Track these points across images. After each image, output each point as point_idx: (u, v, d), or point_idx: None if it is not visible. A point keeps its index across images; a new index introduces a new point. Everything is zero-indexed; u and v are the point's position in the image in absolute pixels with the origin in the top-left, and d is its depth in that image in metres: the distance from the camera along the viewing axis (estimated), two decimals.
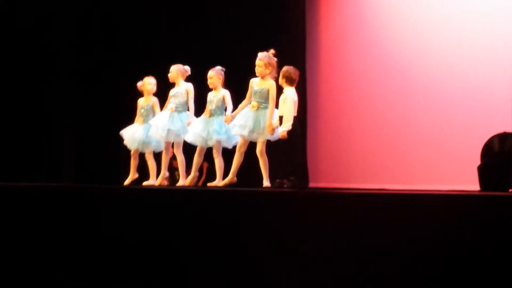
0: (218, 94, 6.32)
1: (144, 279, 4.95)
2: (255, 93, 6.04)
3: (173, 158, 7.05)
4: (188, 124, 6.47)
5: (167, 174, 6.86)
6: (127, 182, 6.93)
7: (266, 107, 6.00)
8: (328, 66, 9.47)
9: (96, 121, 9.87)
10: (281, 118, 5.92)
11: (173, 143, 6.67)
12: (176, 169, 7.06)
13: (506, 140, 5.11)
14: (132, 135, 6.86)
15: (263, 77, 6.06)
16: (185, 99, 6.56)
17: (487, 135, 5.35)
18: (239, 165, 6.11)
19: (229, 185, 6.18)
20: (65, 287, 5.19)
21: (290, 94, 5.93)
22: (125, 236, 5.11)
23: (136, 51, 9.79)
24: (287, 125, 5.83)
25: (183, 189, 5.91)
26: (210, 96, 6.38)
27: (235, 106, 6.27)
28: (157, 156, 6.94)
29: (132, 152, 6.93)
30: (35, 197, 5.70)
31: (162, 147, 6.73)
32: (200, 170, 6.67)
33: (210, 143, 6.31)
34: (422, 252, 3.87)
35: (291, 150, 5.89)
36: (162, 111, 6.68)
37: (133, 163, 6.94)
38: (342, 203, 4.27)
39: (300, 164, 5.97)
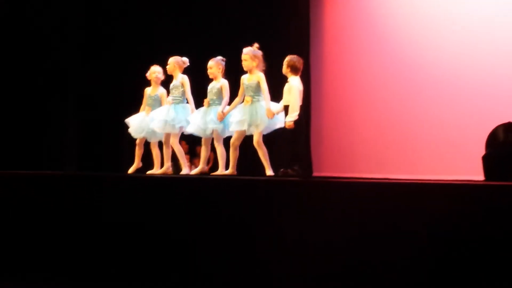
0: (217, 84, 6.32)
1: (146, 265, 4.97)
2: (247, 88, 6.05)
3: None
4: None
5: (170, 164, 6.87)
6: (131, 170, 6.93)
7: (259, 100, 5.99)
8: (332, 56, 9.45)
9: (99, 109, 9.88)
10: (286, 107, 5.90)
11: None
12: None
13: (510, 130, 5.09)
14: (138, 124, 6.84)
15: (251, 71, 6.06)
16: (180, 91, 6.56)
17: (492, 125, 5.34)
18: (237, 158, 6.11)
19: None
20: (68, 273, 5.22)
21: (295, 83, 5.91)
22: (128, 223, 5.13)
23: (141, 40, 9.80)
24: (294, 115, 5.80)
25: (186, 178, 5.90)
26: (210, 86, 6.39)
27: (233, 96, 6.26)
28: (161, 145, 6.94)
29: (137, 141, 6.92)
30: (37, 185, 5.71)
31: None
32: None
33: (208, 133, 6.32)
34: (427, 241, 3.87)
35: (296, 140, 5.88)
36: (164, 105, 6.70)
37: (138, 152, 6.92)
38: (346, 192, 4.27)
39: (304, 153, 5.93)
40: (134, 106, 7.12)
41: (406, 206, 3.99)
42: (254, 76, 6.03)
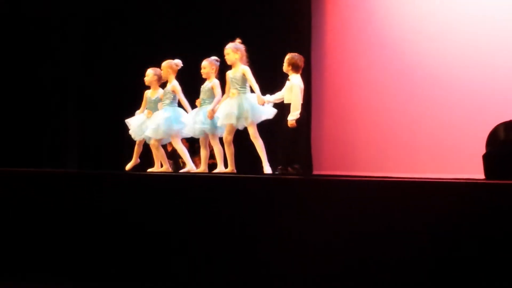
0: (209, 84, 6.34)
1: (146, 264, 4.97)
2: (232, 81, 6.08)
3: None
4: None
5: (170, 163, 6.88)
6: (128, 167, 6.93)
7: (245, 92, 6.02)
8: (333, 55, 9.46)
9: (100, 108, 9.89)
10: (287, 106, 5.90)
11: None
12: (180, 156, 7.07)
13: (511, 128, 5.07)
14: (139, 126, 6.86)
15: (234, 65, 6.10)
16: (171, 97, 6.58)
17: (492, 124, 5.32)
18: (233, 154, 6.11)
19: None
20: (68, 273, 5.22)
21: (296, 81, 5.91)
22: (128, 221, 5.13)
23: (142, 39, 9.82)
24: (296, 113, 5.81)
25: (186, 176, 5.90)
26: (202, 86, 6.42)
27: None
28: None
29: (137, 141, 6.94)
30: (38, 183, 5.71)
31: (168, 139, 6.76)
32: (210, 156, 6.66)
33: (197, 133, 6.34)
34: (427, 239, 3.87)
35: (297, 138, 5.88)
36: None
37: (137, 149, 6.94)
38: (346, 190, 4.26)
39: (304, 152, 5.93)
40: (135, 106, 7.14)
41: (407, 205, 3.99)
42: (238, 69, 6.06)
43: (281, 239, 4.39)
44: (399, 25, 8.89)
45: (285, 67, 6.01)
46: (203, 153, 6.44)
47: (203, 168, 6.40)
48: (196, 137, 6.53)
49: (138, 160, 6.92)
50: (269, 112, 6.04)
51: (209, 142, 6.39)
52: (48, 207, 5.49)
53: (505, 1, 8.14)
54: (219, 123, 6.11)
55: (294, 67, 5.99)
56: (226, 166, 6.23)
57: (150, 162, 6.88)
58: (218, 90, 6.28)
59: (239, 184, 4.87)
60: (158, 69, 6.80)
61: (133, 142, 7.01)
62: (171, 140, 6.70)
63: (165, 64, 6.66)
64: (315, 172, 9.01)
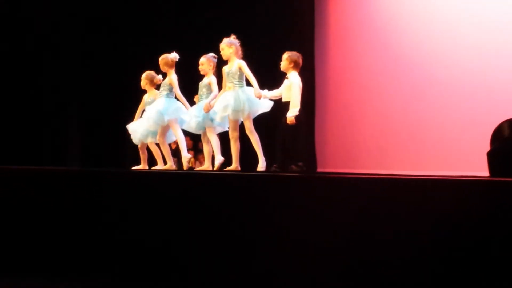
0: (207, 80, 6.38)
1: (148, 263, 4.97)
2: (228, 75, 6.13)
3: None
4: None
5: (174, 160, 6.88)
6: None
7: (242, 85, 6.06)
8: (337, 53, 9.45)
9: (101, 107, 9.90)
10: (286, 104, 5.92)
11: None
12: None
13: None
14: (135, 130, 6.92)
15: (230, 59, 6.16)
16: (167, 88, 6.63)
17: (497, 121, 5.31)
18: (239, 151, 6.12)
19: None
20: (69, 272, 5.22)
21: (296, 79, 5.93)
22: (128, 219, 5.13)
23: (142, 39, 9.82)
24: (295, 110, 5.81)
25: (189, 174, 5.90)
26: (200, 82, 6.47)
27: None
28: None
29: (139, 146, 6.97)
30: (40, 181, 5.71)
31: (172, 138, 6.79)
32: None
33: (193, 126, 6.40)
34: (431, 237, 3.85)
35: (296, 136, 5.88)
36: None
37: (143, 156, 6.97)
38: (350, 188, 4.25)
39: (304, 149, 5.94)
40: (136, 105, 7.15)
41: (411, 202, 3.98)
42: (233, 63, 6.11)
43: (284, 237, 4.38)
44: (403, 23, 8.88)
45: (285, 65, 6.03)
46: (206, 149, 6.46)
47: (207, 165, 6.42)
48: (195, 132, 6.56)
49: (147, 167, 6.93)
50: (266, 105, 6.07)
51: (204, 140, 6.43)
52: (49, 205, 5.48)
53: (507, 3, 8.11)
54: (216, 117, 6.14)
55: (296, 64, 6.01)
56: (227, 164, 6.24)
57: (153, 161, 6.89)
58: (215, 86, 6.35)
59: (242, 181, 4.87)
60: (150, 73, 6.92)
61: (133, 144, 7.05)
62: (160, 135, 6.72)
63: (161, 59, 6.70)
64: (319, 170, 9.01)
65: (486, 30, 8.18)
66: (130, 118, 7.09)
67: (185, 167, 6.58)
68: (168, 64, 6.67)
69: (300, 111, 5.88)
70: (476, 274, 3.72)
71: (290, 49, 6.23)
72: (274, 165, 5.94)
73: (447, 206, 3.86)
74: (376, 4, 9.16)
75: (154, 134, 6.75)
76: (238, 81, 6.06)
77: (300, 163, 5.83)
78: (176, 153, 7.11)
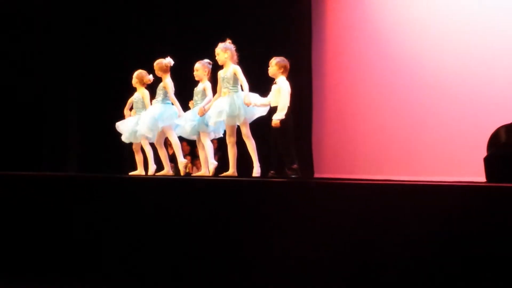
0: (201, 86, 6.40)
1: (145, 266, 4.96)
2: (223, 80, 6.16)
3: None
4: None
5: (171, 166, 6.88)
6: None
7: (237, 90, 6.08)
8: (334, 57, 9.46)
9: (100, 110, 9.88)
10: (275, 108, 5.94)
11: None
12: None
13: None
14: (123, 129, 6.94)
15: (225, 64, 6.17)
16: (162, 93, 6.65)
17: (494, 126, 5.31)
18: (235, 156, 6.13)
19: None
20: (67, 274, 5.22)
21: (284, 84, 5.97)
22: (125, 224, 5.12)
23: (142, 41, 9.83)
24: (281, 114, 5.86)
25: (185, 179, 5.90)
26: (195, 88, 6.50)
27: None
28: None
29: (133, 147, 6.96)
30: (38, 186, 5.70)
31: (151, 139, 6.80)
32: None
33: (188, 131, 6.40)
34: (428, 242, 3.85)
35: (286, 140, 5.89)
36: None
37: (138, 159, 6.96)
38: (347, 193, 4.25)
39: (295, 153, 5.95)
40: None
41: (408, 208, 3.97)
42: (228, 68, 6.14)
43: (281, 242, 4.37)
44: (400, 29, 8.89)
45: (274, 71, 6.05)
46: (202, 155, 6.46)
47: (203, 170, 6.42)
48: (188, 137, 6.59)
49: (143, 171, 6.93)
50: (262, 110, 6.09)
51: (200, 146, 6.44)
52: (47, 210, 5.48)
53: (506, 5, 8.13)
54: (210, 121, 6.16)
55: (286, 70, 6.06)
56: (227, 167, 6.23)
57: (159, 165, 6.89)
58: (209, 91, 6.39)
59: (239, 187, 4.86)
60: (142, 72, 6.95)
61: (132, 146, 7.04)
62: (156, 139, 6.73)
63: (156, 64, 6.71)
64: (316, 175, 9.00)
65: (483, 35, 8.20)
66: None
67: (182, 173, 6.58)
68: (163, 69, 6.70)
69: (288, 115, 5.90)
70: (473, 279, 3.72)
71: (288, 54, 6.25)
72: (271, 171, 5.95)
73: (444, 211, 3.85)
74: (373, 9, 9.17)
75: (138, 136, 6.76)
76: (233, 86, 6.08)
77: (294, 166, 5.84)
78: (173, 158, 7.11)
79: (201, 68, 6.47)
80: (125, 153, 8.92)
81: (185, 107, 6.62)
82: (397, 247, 3.94)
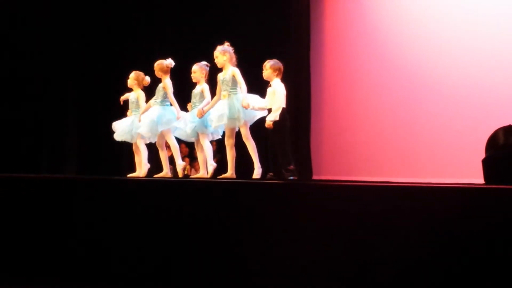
0: (199, 88, 6.42)
1: (144, 268, 4.96)
2: (222, 82, 6.17)
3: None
4: (177, 118, 6.55)
5: (170, 168, 6.89)
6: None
7: (236, 93, 6.09)
8: (332, 59, 9.46)
9: (99, 112, 9.88)
10: (270, 110, 5.98)
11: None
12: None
13: (511, 133, 5.07)
14: (117, 127, 6.95)
15: (224, 67, 6.19)
16: (162, 94, 6.65)
17: (492, 128, 5.33)
18: (234, 158, 6.14)
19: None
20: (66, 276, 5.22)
21: (279, 86, 6.02)
22: (123, 226, 5.13)
23: (142, 42, 9.82)
24: (274, 115, 5.90)
25: (185, 181, 5.90)
26: (193, 90, 6.50)
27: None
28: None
29: (134, 148, 6.97)
30: (37, 188, 5.70)
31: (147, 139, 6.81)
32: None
33: (189, 132, 6.41)
34: (426, 244, 3.86)
35: (283, 140, 5.92)
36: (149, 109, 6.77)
37: (137, 159, 6.96)
38: (345, 195, 4.26)
39: (290, 155, 5.97)
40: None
41: (406, 210, 3.98)
42: (227, 70, 6.16)
43: (279, 244, 4.38)
44: (399, 29, 8.90)
45: (269, 73, 6.09)
46: (200, 157, 6.47)
47: (202, 172, 6.42)
48: (187, 139, 6.61)
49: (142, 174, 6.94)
50: (262, 111, 6.09)
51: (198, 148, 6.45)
52: (46, 212, 5.48)
53: (505, 6, 8.14)
54: (212, 125, 6.17)
55: (280, 72, 6.10)
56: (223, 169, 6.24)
57: (159, 166, 6.89)
58: (207, 93, 6.39)
59: (239, 189, 4.87)
60: (138, 73, 6.97)
61: (131, 148, 7.04)
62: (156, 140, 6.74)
63: (156, 65, 6.72)
64: (314, 177, 9.01)
65: (481, 36, 8.20)
66: None
67: (180, 175, 6.58)
68: (163, 70, 6.70)
69: (284, 116, 5.93)
70: (472, 280, 3.72)
71: (286, 55, 6.29)
72: (270, 173, 5.96)
73: (442, 213, 3.86)
74: (372, 11, 9.17)
75: (134, 134, 6.78)
76: (233, 89, 6.10)
77: (290, 167, 5.86)
78: (172, 160, 7.11)
79: (198, 70, 6.48)
80: (123, 154, 8.93)
81: (183, 109, 6.61)
82: (395, 248, 3.95)
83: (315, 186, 4.89)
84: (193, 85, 6.53)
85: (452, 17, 8.46)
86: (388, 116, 8.85)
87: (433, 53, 8.53)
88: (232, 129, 6.14)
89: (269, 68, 6.09)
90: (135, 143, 6.89)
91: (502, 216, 3.69)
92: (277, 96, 5.97)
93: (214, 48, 6.31)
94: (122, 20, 10.00)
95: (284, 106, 5.98)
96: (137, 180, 6.08)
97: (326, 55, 9.49)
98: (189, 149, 9.19)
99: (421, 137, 8.54)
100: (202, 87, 6.43)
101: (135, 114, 6.87)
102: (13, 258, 5.55)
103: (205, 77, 6.49)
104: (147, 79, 6.93)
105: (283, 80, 6.13)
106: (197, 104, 6.41)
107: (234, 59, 6.21)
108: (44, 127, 10.00)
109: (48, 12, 9.80)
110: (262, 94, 6.17)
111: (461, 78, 8.30)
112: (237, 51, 6.28)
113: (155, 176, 6.73)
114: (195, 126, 6.31)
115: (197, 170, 6.67)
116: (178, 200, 4.96)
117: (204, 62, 6.52)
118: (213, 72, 6.47)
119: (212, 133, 6.42)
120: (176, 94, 6.67)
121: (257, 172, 6.03)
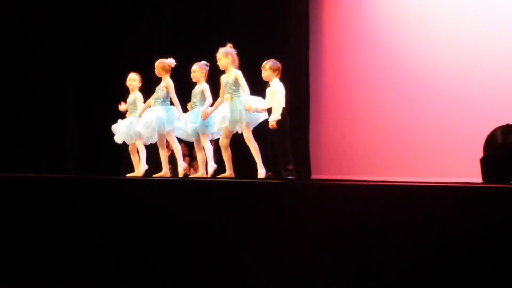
0: (199, 88, 6.41)
1: (143, 268, 4.97)
2: (225, 85, 6.15)
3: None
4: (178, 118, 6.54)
5: (169, 167, 6.89)
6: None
7: (239, 95, 6.08)
8: (331, 59, 9.47)
9: (98, 112, 9.88)
10: (270, 110, 5.97)
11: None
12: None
13: (509, 132, 5.08)
14: (117, 129, 6.95)
15: (227, 69, 6.17)
16: (164, 93, 6.63)
17: (490, 127, 5.34)
18: (231, 158, 6.15)
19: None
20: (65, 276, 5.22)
21: (278, 86, 6.02)
22: (123, 226, 5.13)
23: (141, 43, 9.82)
24: (276, 115, 5.90)
25: (184, 181, 5.91)
26: (193, 90, 6.48)
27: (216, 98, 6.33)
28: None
29: (129, 148, 6.97)
30: (36, 188, 5.71)
31: (154, 139, 6.81)
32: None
33: (190, 133, 6.39)
34: (425, 243, 3.87)
35: (282, 141, 5.93)
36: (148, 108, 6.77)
37: (134, 160, 6.96)
38: (344, 194, 4.27)
39: (290, 154, 5.98)
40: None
41: (405, 209, 4.00)
42: (230, 73, 6.14)
43: (279, 243, 4.39)
44: (398, 29, 8.91)
45: (268, 74, 6.09)
46: (200, 157, 6.47)
47: (201, 172, 6.42)
48: (187, 139, 6.59)
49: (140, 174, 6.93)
50: (265, 114, 6.09)
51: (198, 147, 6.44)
52: (45, 212, 5.48)
53: (504, 5, 8.15)
54: (215, 128, 6.17)
55: (279, 72, 6.10)
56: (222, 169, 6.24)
57: (159, 166, 6.89)
58: (208, 93, 6.37)
59: (237, 188, 4.88)
60: (136, 75, 6.96)
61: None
62: (157, 140, 6.74)
63: (158, 64, 6.71)
64: (313, 176, 9.01)
65: (480, 36, 8.22)
66: None
67: (180, 175, 6.59)
68: (165, 69, 6.68)
69: (283, 115, 5.93)
70: (469, 279, 3.74)
71: (285, 55, 6.28)
72: (269, 173, 5.97)
73: (441, 212, 3.88)
74: (371, 11, 9.18)
75: (132, 136, 6.79)
76: (235, 91, 6.08)
77: (289, 166, 5.86)
78: (171, 160, 7.11)
79: (198, 70, 6.47)
80: (122, 154, 8.92)
81: (183, 109, 6.61)
82: (395, 247, 3.96)
83: (314, 186, 4.90)
84: (193, 84, 6.53)
85: (452, 17, 8.47)
86: (387, 115, 8.86)
87: (432, 53, 8.54)
88: (229, 130, 6.14)
89: (269, 69, 6.08)
90: (132, 144, 6.89)
91: (500, 214, 3.71)
92: (277, 95, 5.96)
93: (213, 48, 6.30)
94: (122, 20, 9.99)
95: (284, 105, 5.99)
96: (136, 180, 6.08)
97: (325, 55, 9.50)
98: (188, 149, 9.18)
99: (419, 136, 8.56)
100: (202, 87, 6.42)
101: (133, 115, 6.87)
102: (13, 258, 5.55)
103: (204, 76, 6.48)
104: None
105: (282, 80, 6.14)
106: (197, 103, 6.40)
107: (236, 61, 6.19)
108: (44, 127, 9.99)
109: (48, 12, 9.79)
110: (262, 94, 6.18)
111: (459, 78, 8.31)
112: (236, 51, 6.27)
113: (154, 175, 6.73)
114: (196, 127, 6.31)
115: (196, 170, 6.65)
116: (177, 200, 4.97)
117: (203, 62, 6.51)
118: (214, 72, 6.47)
119: (212, 133, 6.42)
120: (176, 94, 6.66)
121: (261, 173, 6.02)
